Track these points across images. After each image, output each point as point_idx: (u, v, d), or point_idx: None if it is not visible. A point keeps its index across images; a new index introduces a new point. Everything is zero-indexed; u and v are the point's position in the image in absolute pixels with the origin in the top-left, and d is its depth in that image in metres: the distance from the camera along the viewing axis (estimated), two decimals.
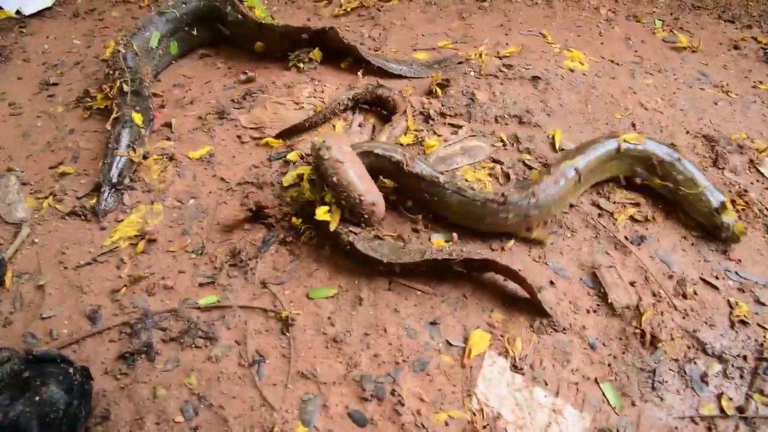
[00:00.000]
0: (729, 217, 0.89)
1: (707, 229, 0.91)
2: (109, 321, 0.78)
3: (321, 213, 0.82)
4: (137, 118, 1.03)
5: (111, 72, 1.11)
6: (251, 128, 1.07)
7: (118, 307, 0.80)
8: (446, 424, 0.66)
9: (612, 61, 1.33)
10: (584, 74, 1.26)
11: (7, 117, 1.14)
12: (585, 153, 0.91)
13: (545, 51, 1.32)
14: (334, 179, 0.80)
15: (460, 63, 1.23)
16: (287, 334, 0.74)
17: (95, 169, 1.00)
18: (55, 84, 1.26)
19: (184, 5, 1.28)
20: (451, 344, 0.73)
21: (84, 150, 1.06)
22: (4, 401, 0.60)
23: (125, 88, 1.07)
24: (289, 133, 1.05)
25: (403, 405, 0.67)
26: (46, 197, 0.94)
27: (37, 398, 0.61)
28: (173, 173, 0.99)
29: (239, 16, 1.24)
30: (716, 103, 1.21)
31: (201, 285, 0.81)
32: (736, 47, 1.43)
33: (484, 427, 0.65)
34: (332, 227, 0.81)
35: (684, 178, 0.92)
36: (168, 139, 1.07)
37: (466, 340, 0.73)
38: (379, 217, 0.83)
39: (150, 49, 1.21)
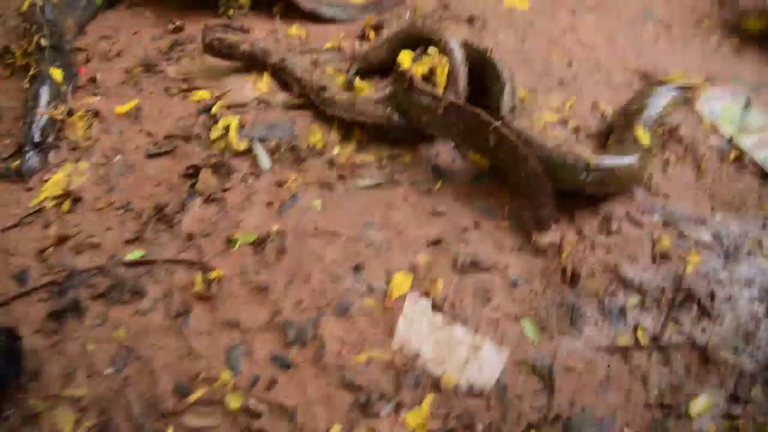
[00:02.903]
0: None
1: None
2: (37, 281, 0.78)
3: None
4: (56, 74, 1.00)
5: (28, 26, 1.07)
6: (179, 80, 1.05)
7: (46, 267, 0.80)
8: (367, 364, 0.68)
9: None
10: (523, 13, 1.24)
11: None
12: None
13: None
14: None
15: (396, 5, 1.20)
16: (211, 285, 0.75)
17: (18, 130, 0.98)
18: None
19: None
20: (372, 288, 0.74)
21: (7, 109, 1.03)
22: None
23: (43, 42, 1.03)
24: None
25: (324, 348, 0.69)
26: None
27: None
28: (99, 129, 0.97)
29: None
30: (657, 40, 1.21)
31: (128, 241, 0.81)
32: None
33: (404, 365, 0.68)
34: None
35: None
36: (94, 94, 1.04)
37: (389, 282, 0.75)
38: None
39: (72, 0, 1.16)
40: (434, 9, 1.20)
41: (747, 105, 1.08)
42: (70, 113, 0.99)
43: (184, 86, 1.04)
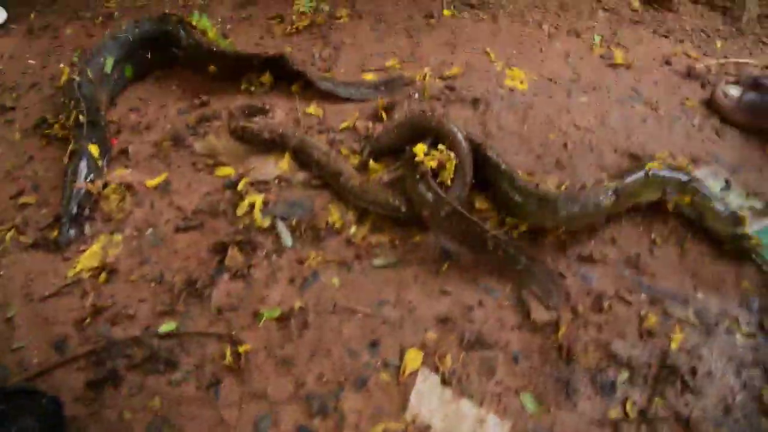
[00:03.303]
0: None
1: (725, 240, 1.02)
2: (75, 350, 0.84)
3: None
4: (94, 149, 1.08)
5: (66, 101, 1.15)
6: (205, 155, 1.13)
7: (84, 336, 0.86)
8: None
9: (550, 80, 1.41)
10: (523, 94, 1.34)
11: None
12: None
13: (488, 70, 1.40)
14: None
15: (405, 85, 1.30)
16: (240, 358, 0.82)
17: (56, 199, 1.05)
18: (12, 108, 1.29)
19: (137, 29, 1.32)
20: (387, 364, 0.81)
21: (44, 179, 1.10)
22: None
23: (81, 119, 1.11)
24: None
25: (344, 419, 0.75)
26: (9, 229, 0.99)
27: (13, 430, 0.68)
28: (131, 202, 1.04)
29: (192, 41, 1.29)
30: (645, 121, 1.31)
31: (161, 313, 0.88)
32: (667, 63, 1.53)
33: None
34: None
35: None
36: (126, 167, 1.12)
37: (402, 358, 0.82)
38: None
39: (105, 75, 1.25)
40: (441, 90, 1.30)
41: (726, 186, 1.18)
42: (104, 186, 1.07)
43: (210, 161, 1.12)
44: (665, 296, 0.95)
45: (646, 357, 0.87)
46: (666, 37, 1.66)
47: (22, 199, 1.05)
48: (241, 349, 0.82)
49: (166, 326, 0.86)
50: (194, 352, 0.83)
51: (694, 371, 0.86)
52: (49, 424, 0.72)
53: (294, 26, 1.55)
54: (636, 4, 1.76)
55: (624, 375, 0.85)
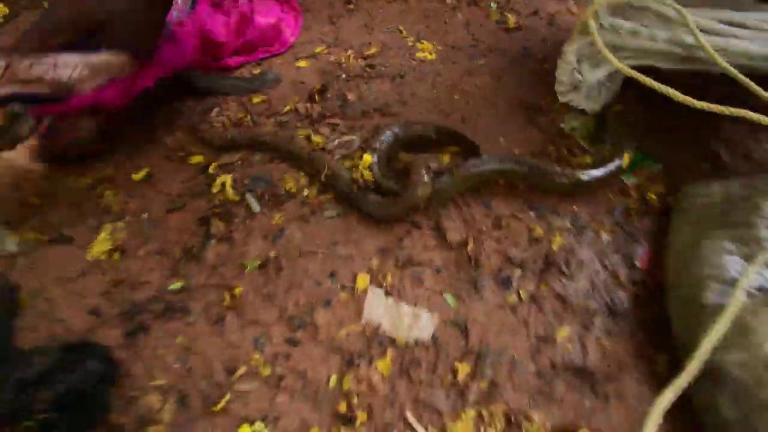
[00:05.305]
0: None
1: None
2: (108, 313, 1.10)
3: None
4: None
5: None
6: (177, 149, 1.38)
7: (112, 303, 1.11)
8: (347, 336, 1.04)
9: (454, 47, 1.69)
10: (432, 63, 1.62)
11: None
12: None
13: (401, 47, 1.66)
14: None
15: (277, 81, 1.54)
16: (235, 299, 1.10)
17: (63, 200, 1.29)
18: None
19: None
20: (344, 286, 1.10)
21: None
22: (62, 377, 0.92)
23: None
24: None
25: (318, 329, 1.05)
26: (30, 229, 1.23)
27: (82, 370, 0.94)
28: (124, 195, 1.28)
29: None
30: (535, 73, 1.60)
31: (168, 276, 1.14)
32: (550, 24, 1.82)
33: (371, 333, 1.04)
34: None
35: None
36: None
37: (354, 281, 1.11)
38: None
39: None
40: (363, 69, 1.56)
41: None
42: None
43: (182, 154, 1.38)
44: (548, 212, 1.27)
45: (534, 257, 1.19)
46: None
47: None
48: (235, 292, 1.09)
49: (175, 285, 1.12)
50: (200, 300, 1.10)
51: (568, 263, 1.18)
52: (106, 366, 0.98)
53: None
54: None
55: (517, 272, 1.16)
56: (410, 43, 1.67)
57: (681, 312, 1.04)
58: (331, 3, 1.84)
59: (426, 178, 1.16)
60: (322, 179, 1.23)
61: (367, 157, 1.23)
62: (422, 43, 1.67)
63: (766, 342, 0.90)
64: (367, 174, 1.21)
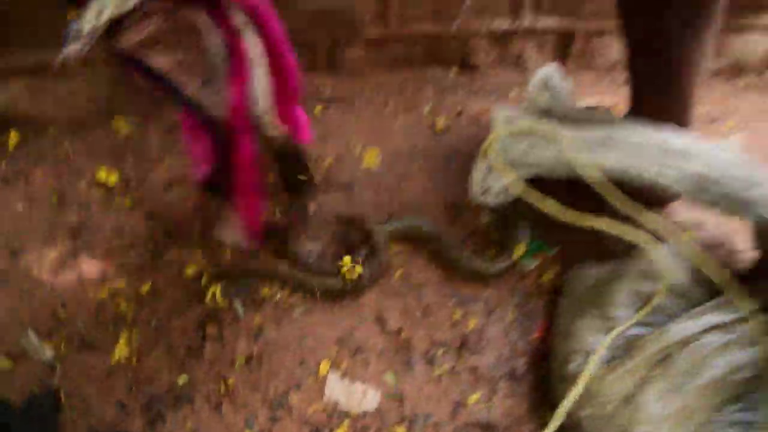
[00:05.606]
0: None
1: None
2: (132, 406, 1.44)
3: None
4: None
5: None
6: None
7: (134, 397, 1.46)
8: (314, 411, 1.39)
9: (394, 153, 2.06)
10: (377, 169, 1.98)
11: None
12: None
13: (351, 155, 2.01)
14: None
15: None
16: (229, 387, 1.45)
17: None
18: None
19: None
20: (311, 373, 1.46)
21: None
22: None
23: None
24: None
25: (292, 409, 1.40)
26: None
27: None
28: None
29: None
30: (464, 172, 1.99)
31: (176, 372, 1.49)
32: (474, 124, 2.21)
33: (331, 409, 1.40)
34: None
35: None
36: None
37: (318, 367, 1.47)
38: None
39: None
40: (321, 182, 1.93)
41: None
42: None
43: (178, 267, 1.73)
44: (466, 299, 1.65)
45: (453, 338, 1.55)
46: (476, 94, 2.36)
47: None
48: (229, 383, 1.44)
49: (181, 379, 1.45)
50: (202, 390, 1.42)
51: (479, 340, 1.54)
52: None
53: None
54: (453, 74, 2.44)
55: (440, 351, 1.50)
56: (358, 152, 2.05)
57: (556, 377, 1.42)
58: None
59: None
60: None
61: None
62: (368, 150, 2.05)
63: (608, 402, 1.29)
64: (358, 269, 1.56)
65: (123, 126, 2.10)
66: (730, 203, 1.41)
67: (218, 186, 1.37)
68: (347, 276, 1.53)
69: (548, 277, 1.68)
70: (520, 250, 1.64)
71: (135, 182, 1.94)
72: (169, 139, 2.06)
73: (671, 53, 1.52)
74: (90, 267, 1.70)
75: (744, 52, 2.51)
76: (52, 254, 1.74)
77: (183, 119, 1.23)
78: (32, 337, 1.52)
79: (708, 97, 2.33)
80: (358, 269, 1.53)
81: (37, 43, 1.95)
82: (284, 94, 1.26)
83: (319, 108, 2.21)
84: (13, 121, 2.09)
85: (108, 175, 1.93)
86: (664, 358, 1.30)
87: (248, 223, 1.37)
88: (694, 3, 1.41)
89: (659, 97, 1.66)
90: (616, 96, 2.24)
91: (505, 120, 1.71)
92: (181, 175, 1.92)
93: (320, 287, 1.56)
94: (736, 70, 2.52)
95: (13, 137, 2.07)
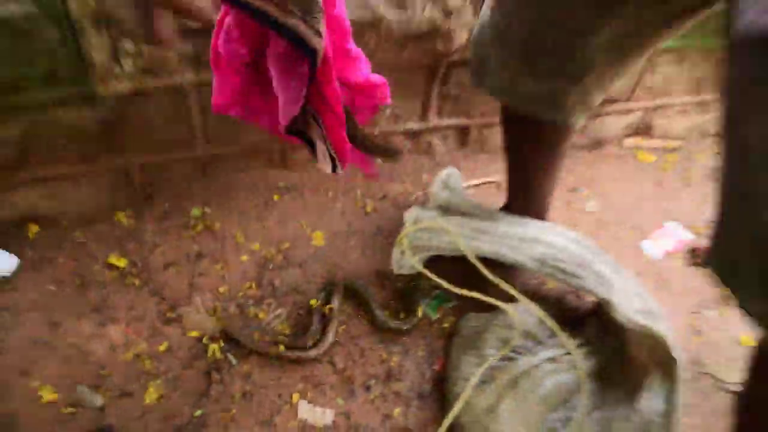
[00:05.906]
0: None
1: None
2: None
3: None
4: None
5: None
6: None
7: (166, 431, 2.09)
8: (291, 427, 2.09)
9: (335, 233, 2.73)
10: (322, 248, 2.66)
11: None
12: None
13: (303, 237, 2.66)
14: None
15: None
16: (230, 418, 2.12)
17: None
18: None
19: None
20: (286, 402, 2.15)
21: None
22: None
23: None
24: None
25: (277, 428, 2.09)
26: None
27: None
28: None
29: None
30: (385, 249, 2.71)
31: (193, 408, 2.14)
32: (394, 205, 2.96)
33: (303, 425, 2.10)
34: None
35: None
36: None
37: (291, 398, 2.16)
38: None
39: None
40: (281, 261, 2.61)
41: None
42: None
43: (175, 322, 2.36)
44: (390, 344, 2.39)
45: (382, 371, 2.29)
46: (396, 179, 3.11)
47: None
48: (232, 414, 2.11)
49: (197, 412, 2.12)
50: (213, 420, 2.10)
51: (400, 372, 2.28)
52: None
53: None
54: (378, 163, 3.18)
55: (373, 381, 2.26)
56: (308, 234, 2.74)
57: (449, 396, 2.18)
58: (256, 204, 2.88)
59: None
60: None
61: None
62: (315, 232, 2.76)
63: (478, 412, 2.06)
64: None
65: (123, 219, 2.71)
66: (565, 276, 2.19)
67: (303, 128, 1.34)
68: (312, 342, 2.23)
69: (447, 324, 2.42)
70: (421, 311, 2.40)
71: (140, 264, 2.56)
72: (161, 227, 2.69)
73: (528, 173, 1.91)
74: (116, 334, 2.30)
75: (602, 130, 3.20)
76: (84, 325, 2.34)
77: (276, 57, 1.08)
78: (85, 389, 2.13)
79: (573, 170, 3.05)
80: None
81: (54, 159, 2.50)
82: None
83: (277, 196, 2.88)
84: (32, 218, 2.63)
85: (118, 259, 2.54)
86: (515, 381, 2.02)
87: (340, 155, 1.39)
88: (547, 143, 1.77)
89: (524, 200, 2.41)
90: (502, 174, 3.02)
91: (413, 220, 2.47)
92: (175, 258, 2.55)
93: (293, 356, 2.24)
94: (597, 144, 3.25)
95: (33, 229, 2.63)
